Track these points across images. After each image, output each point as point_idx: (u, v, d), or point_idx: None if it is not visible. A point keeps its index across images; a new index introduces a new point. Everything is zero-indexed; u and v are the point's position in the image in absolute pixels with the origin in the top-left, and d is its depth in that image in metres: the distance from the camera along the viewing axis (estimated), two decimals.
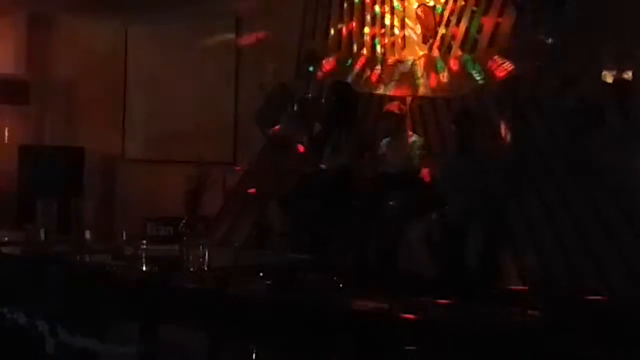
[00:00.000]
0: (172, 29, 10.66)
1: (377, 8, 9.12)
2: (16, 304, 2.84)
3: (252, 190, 8.63)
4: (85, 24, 11.23)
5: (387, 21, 9.05)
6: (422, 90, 8.68)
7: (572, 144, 7.46)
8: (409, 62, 8.82)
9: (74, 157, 10.58)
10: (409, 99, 8.61)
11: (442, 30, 8.67)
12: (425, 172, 7.82)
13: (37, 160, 10.54)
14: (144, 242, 5.30)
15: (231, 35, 10.21)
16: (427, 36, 8.78)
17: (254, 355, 5.19)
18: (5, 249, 4.94)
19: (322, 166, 7.96)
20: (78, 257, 5.32)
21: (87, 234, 5.62)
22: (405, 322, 4.93)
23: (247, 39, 10.00)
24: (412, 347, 4.56)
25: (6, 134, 11.07)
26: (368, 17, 9.16)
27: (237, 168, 9.36)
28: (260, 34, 9.76)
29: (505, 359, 4.40)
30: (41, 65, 11.60)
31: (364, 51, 9.14)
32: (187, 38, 10.59)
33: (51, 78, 11.65)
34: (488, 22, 8.40)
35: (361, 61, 9.12)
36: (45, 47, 11.64)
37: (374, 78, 8.98)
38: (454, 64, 8.55)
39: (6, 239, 5.54)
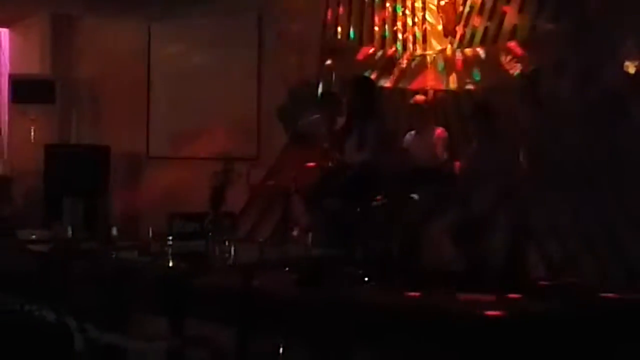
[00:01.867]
0: (195, 26, 10.69)
1: (398, 2, 9.12)
2: (44, 301, 2.87)
3: (275, 185, 8.65)
4: (108, 22, 11.28)
5: (409, 15, 9.05)
6: (444, 84, 8.68)
7: (595, 136, 7.44)
8: (431, 56, 8.82)
9: (100, 156, 10.63)
10: (431, 93, 8.61)
11: (463, 23, 8.66)
12: (449, 166, 7.81)
13: (64, 159, 10.59)
14: (170, 238, 5.34)
15: (254, 31, 10.23)
16: (449, 29, 8.77)
17: (280, 350, 5.21)
18: (33, 247, 4.99)
19: (346, 161, 7.97)
20: (105, 254, 5.37)
21: (114, 231, 5.67)
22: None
23: (270, 35, 10.02)
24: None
25: (32, 133, 11.14)
26: (390, 11, 9.16)
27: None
28: (283, 29, 9.77)
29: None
30: (66, 64, 11.67)
31: (386, 45, 9.15)
32: (210, 34, 10.62)
33: (76, 77, 11.71)
34: (509, 14, 8.38)
35: (383, 55, 9.13)
36: (70, 46, 11.71)
37: (396, 72, 8.98)
38: (475, 57, 8.54)
39: (34, 236, 5.59)
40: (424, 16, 8.97)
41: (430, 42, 8.92)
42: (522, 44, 8.22)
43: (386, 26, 9.17)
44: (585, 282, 6.89)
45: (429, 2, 8.91)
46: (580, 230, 7.29)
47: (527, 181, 7.34)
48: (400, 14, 9.10)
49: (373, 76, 8.89)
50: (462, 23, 8.68)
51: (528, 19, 8.26)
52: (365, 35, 9.30)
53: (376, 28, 9.22)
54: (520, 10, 8.31)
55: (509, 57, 8.27)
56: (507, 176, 7.20)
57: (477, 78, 8.54)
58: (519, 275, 6.87)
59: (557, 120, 7.84)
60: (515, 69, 8.21)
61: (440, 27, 8.86)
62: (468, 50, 8.62)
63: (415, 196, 7.55)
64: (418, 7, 8.99)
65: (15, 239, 5.88)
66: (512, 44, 8.30)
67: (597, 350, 5.07)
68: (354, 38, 9.36)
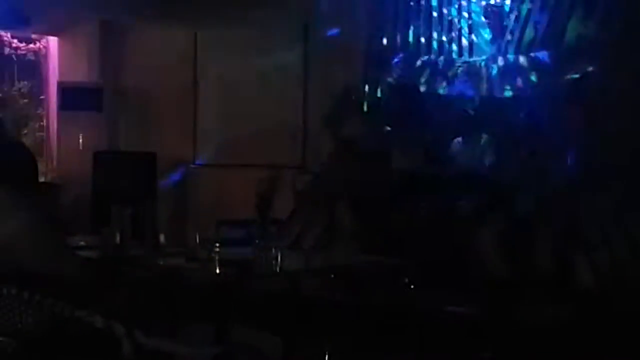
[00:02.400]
0: (241, 33, 10.74)
1: (444, 9, 9.09)
2: (94, 308, 2.90)
3: (322, 192, 8.66)
4: (155, 30, 11.36)
5: (455, 21, 9.02)
6: (491, 90, 8.64)
7: None
8: (477, 62, 8.79)
9: (147, 162, 10.70)
10: (477, 99, 8.58)
11: (509, 30, 8.62)
12: (495, 173, 7.78)
13: (112, 166, 10.67)
14: (217, 245, 5.34)
15: (299, 39, 10.26)
16: (494, 36, 8.74)
17: (326, 358, 5.21)
18: (82, 253, 5.02)
19: (392, 168, 7.96)
20: (152, 260, 5.40)
21: (161, 238, 5.69)
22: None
23: (315, 42, 10.04)
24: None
25: (80, 140, 11.24)
26: (435, 18, 9.14)
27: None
28: (328, 37, 9.78)
29: None
30: (114, 72, 11.77)
31: (432, 52, 9.13)
32: (256, 42, 10.66)
33: (124, 84, 11.81)
34: (557, 21, 8.33)
35: (429, 62, 9.11)
36: (118, 54, 11.80)
37: (442, 79, 8.96)
38: (521, 63, 8.49)
39: (82, 243, 5.62)
40: (470, 22, 8.94)
41: (477, 48, 8.89)
42: (569, 50, 8.17)
43: (432, 32, 9.15)
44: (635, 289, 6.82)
45: (476, 8, 8.88)
46: (630, 237, 7.21)
47: (576, 187, 7.29)
48: (447, 19, 9.08)
49: (419, 82, 8.88)
50: (508, 29, 8.64)
51: (576, 25, 8.21)
52: (411, 42, 9.28)
53: (422, 34, 9.21)
54: (569, 16, 8.26)
55: (556, 63, 8.22)
56: (556, 182, 7.16)
57: (523, 84, 8.50)
58: (567, 284, 6.83)
59: (607, 125, 7.78)
60: (562, 75, 8.15)
61: (487, 33, 8.83)
62: (515, 57, 8.58)
63: (462, 203, 7.53)
64: (464, 13, 8.97)
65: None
66: (559, 50, 8.25)
67: None
68: (400, 44, 9.34)
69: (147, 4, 10.41)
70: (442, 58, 9.05)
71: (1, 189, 2.89)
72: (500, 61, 8.65)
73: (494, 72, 8.66)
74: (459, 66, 8.90)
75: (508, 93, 8.56)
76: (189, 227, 10.37)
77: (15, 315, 2.76)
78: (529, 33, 8.49)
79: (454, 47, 9.01)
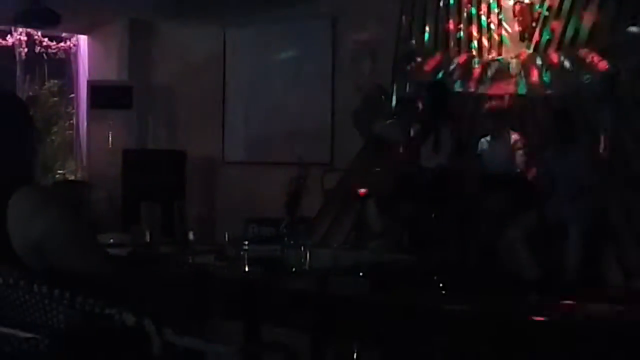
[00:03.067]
0: (270, 31, 10.76)
1: (473, 7, 9.06)
2: (124, 305, 2.92)
3: (350, 190, 8.66)
4: (184, 28, 11.41)
5: (484, 19, 9.00)
6: (520, 89, 8.60)
7: None
8: (507, 61, 8.76)
9: (176, 161, 10.75)
10: (507, 98, 8.55)
11: (539, 28, 8.58)
12: (525, 171, 7.75)
13: (141, 163, 10.73)
14: (246, 243, 5.36)
15: (328, 36, 10.26)
16: (524, 34, 8.70)
17: (355, 355, 5.22)
18: (112, 251, 5.05)
19: (421, 166, 7.95)
20: (182, 258, 5.42)
21: (191, 235, 5.71)
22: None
23: (344, 40, 10.04)
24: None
25: (110, 138, 11.31)
26: (464, 16, 9.11)
27: None
28: (357, 35, 9.78)
29: None
30: (143, 70, 11.82)
31: (461, 50, 9.10)
32: (285, 40, 10.68)
33: (153, 83, 11.87)
34: (587, 18, 8.28)
35: (458, 60, 9.09)
36: (147, 52, 11.86)
37: (471, 77, 8.93)
38: (551, 61, 8.45)
39: (112, 241, 5.65)
40: (499, 20, 8.90)
41: (506, 46, 8.85)
42: (600, 49, 8.13)
43: (461, 30, 9.13)
44: None
45: (505, 7, 8.85)
46: None
47: (604, 185, 7.25)
48: (476, 17, 9.05)
49: (448, 81, 8.87)
50: (538, 27, 8.60)
51: (607, 23, 8.17)
52: (440, 40, 9.27)
53: (451, 33, 9.19)
54: (599, 14, 8.21)
55: (587, 62, 8.18)
56: (584, 180, 7.13)
57: (554, 83, 8.46)
58: (596, 281, 6.81)
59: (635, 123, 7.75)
60: (594, 74, 8.11)
61: (516, 31, 8.79)
62: (545, 55, 8.54)
63: (491, 202, 7.51)
64: (494, 11, 8.94)
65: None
66: (589, 48, 8.20)
67: None
68: (428, 43, 9.33)
69: (176, 2, 10.46)
70: (471, 55, 9.02)
71: (32, 187, 2.92)
72: (529, 59, 8.61)
73: (523, 70, 8.62)
74: (488, 64, 8.87)
75: (537, 91, 8.52)
76: (218, 225, 10.41)
77: (46, 312, 2.78)
78: (557, 32, 8.45)
79: (484, 44, 8.97)
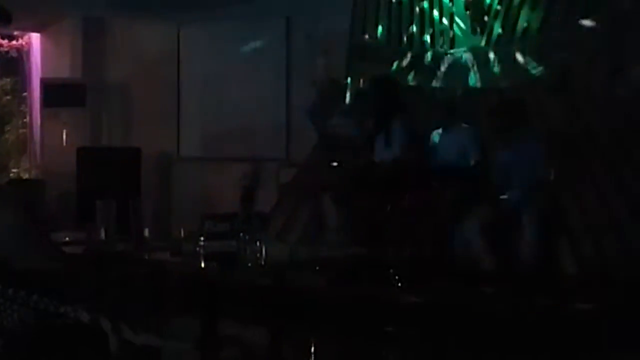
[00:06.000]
0: (224, 28, 10.75)
1: (425, 1, 9.11)
2: (79, 303, 2.92)
3: (305, 185, 8.68)
4: (138, 25, 11.37)
5: (436, 14, 9.05)
6: (472, 81, 8.67)
7: (626, 132, 7.42)
8: (458, 54, 8.82)
9: (131, 157, 10.71)
10: (458, 91, 8.61)
11: (490, 21, 8.66)
12: (478, 163, 7.80)
13: (95, 161, 10.68)
14: (202, 238, 5.37)
15: (282, 32, 10.28)
16: (476, 27, 8.77)
17: (312, 350, 5.24)
18: (67, 249, 5.04)
19: (375, 160, 7.98)
20: (137, 255, 5.42)
21: (146, 232, 5.71)
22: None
23: (298, 36, 10.07)
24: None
25: (64, 136, 11.24)
26: (417, 11, 9.16)
27: None
28: (311, 30, 9.81)
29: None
30: (96, 67, 11.76)
31: (414, 44, 9.16)
32: (239, 36, 10.68)
33: (106, 80, 11.80)
34: (537, 12, 8.37)
35: (411, 53, 9.14)
36: (100, 50, 11.79)
37: (424, 70, 8.99)
38: (503, 55, 8.53)
39: (67, 239, 5.64)
40: (452, 13, 8.96)
41: (459, 39, 8.92)
42: (551, 42, 8.22)
43: (414, 24, 9.18)
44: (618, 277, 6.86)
45: (457, 1, 8.91)
46: (613, 225, 7.25)
47: (557, 176, 7.33)
48: (428, 12, 9.10)
49: (401, 74, 8.91)
50: (490, 20, 8.67)
51: (557, 17, 8.26)
52: (393, 35, 9.31)
53: (404, 27, 9.23)
54: (551, 7, 8.31)
55: (539, 54, 8.27)
56: (537, 172, 7.20)
57: (505, 75, 8.53)
58: (550, 273, 6.87)
59: (587, 116, 7.83)
60: (544, 67, 8.20)
61: (466, 26, 8.86)
62: (497, 48, 8.62)
63: (445, 194, 7.56)
64: (446, 5, 8.99)
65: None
66: (540, 42, 8.29)
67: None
68: (381, 37, 9.37)
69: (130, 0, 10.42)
70: (423, 50, 9.08)
71: None
72: (481, 52, 8.68)
73: (475, 63, 8.69)
74: (441, 57, 8.93)
75: (490, 84, 8.60)
76: (174, 221, 10.39)
77: (0, 312, 2.78)
78: (508, 24, 8.53)
79: (435, 39, 9.03)
